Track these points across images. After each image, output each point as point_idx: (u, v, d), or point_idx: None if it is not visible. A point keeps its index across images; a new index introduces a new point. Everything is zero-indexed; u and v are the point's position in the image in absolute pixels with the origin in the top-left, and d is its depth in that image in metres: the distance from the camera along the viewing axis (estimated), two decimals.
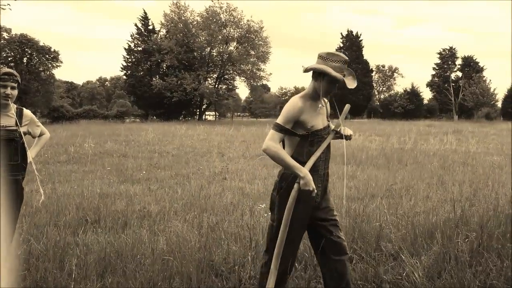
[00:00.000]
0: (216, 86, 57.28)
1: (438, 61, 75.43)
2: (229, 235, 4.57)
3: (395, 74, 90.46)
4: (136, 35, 57.14)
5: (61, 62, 50.81)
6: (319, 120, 3.21)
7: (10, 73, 3.54)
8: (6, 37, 45.44)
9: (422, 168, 10.96)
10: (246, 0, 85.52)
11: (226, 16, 54.52)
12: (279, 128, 3.04)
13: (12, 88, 3.53)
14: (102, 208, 6.07)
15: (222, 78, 58.23)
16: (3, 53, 45.03)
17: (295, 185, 2.95)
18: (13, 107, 3.64)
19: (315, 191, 2.95)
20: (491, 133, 27.70)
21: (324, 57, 3.18)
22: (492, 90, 69.14)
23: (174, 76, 52.54)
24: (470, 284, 3.63)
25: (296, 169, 2.93)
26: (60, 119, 44.58)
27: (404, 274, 3.76)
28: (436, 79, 75.35)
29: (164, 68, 56.25)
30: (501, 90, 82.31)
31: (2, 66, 35.98)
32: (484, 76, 71.07)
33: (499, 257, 3.99)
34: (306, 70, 3.17)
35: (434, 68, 76.12)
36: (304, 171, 2.94)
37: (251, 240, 4.20)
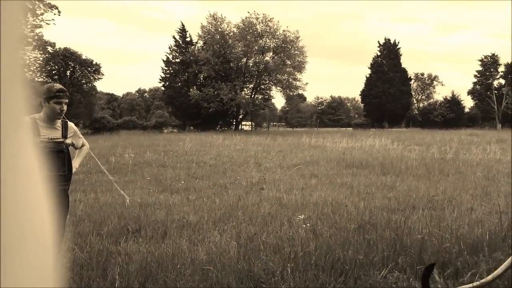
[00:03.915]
0: (252, 96, 57.58)
1: (480, 68, 73.33)
2: (268, 246, 4.56)
3: (435, 82, 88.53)
4: (174, 47, 58.24)
5: (103, 74, 52.26)
6: None
7: (64, 90, 3.69)
8: (51, 51, 47.11)
9: (465, 179, 10.64)
10: (282, 9, 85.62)
11: (262, 26, 54.90)
12: None
13: (66, 103, 3.68)
14: (142, 218, 6.17)
15: (258, 88, 58.48)
16: (48, 66, 46.71)
17: None
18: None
19: None
20: None
21: None
22: None
23: (211, 87, 53.20)
24: None
25: None
26: (101, 130, 45.83)
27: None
28: (477, 86, 73.23)
29: (201, 79, 57.04)
30: None
31: (54, 81, 37.36)
32: None
33: None
34: None
35: (475, 76, 74.02)
36: None
37: (290, 251, 4.18)
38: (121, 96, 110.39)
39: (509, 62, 71.65)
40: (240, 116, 60.77)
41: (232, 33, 56.04)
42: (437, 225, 5.44)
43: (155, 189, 9.28)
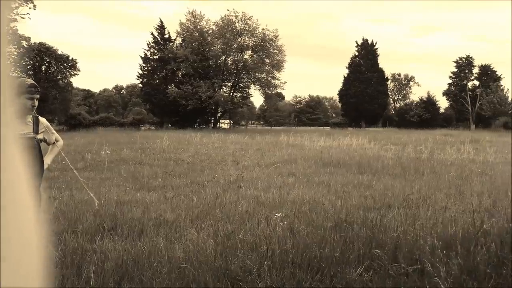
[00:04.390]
0: (231, 94, 57.51)
1: (455, 69, 74.75)
2: (245, 244, 4.56)
3: (411, 83, 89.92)
4: (152, 44, 57.73)
5: (79, 70, 51.46)
6: None
7: (36, 86, 3.63)
8: (25, 45, 46.17)
9: (439, 178, 10.83)
10: (261, 9, 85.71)
11: (241, 25, 54.83)
12: None
13: (37, 99, 3.62)
14: (119, 216, 6.11)
15: (237, 86, 58.43)
16: (22, 61, 45.76)
17: None
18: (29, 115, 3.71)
19: None
20: (510, 142, 27.29)
21: None
22: (510, 99, 68.23)
23: (189, 84, 52.90)
24: None
25: None
26: (77, 127, 45.14)
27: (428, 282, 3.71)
28: (452, 88, 74.61)
29: (180, 76, 56.68)
30: None
31: (26, 76, 36.58)
32: (501, 85, 70.15)
33: None
34: None
35: (450, 77, 75.40)
36: None
37: (267, 249, 4.19)
38: (98, 92, 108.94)
39: (484, 64, 73.26)
40: (219, 114, 60.65)
41: (211, 31, 55.84)
42: (412, 223, 5.53)
43: (132, 187, 9.19)
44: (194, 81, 53.25)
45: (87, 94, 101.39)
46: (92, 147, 17.49)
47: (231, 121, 74.51)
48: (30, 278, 0.44)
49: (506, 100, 67.05)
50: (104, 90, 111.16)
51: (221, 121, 67.43)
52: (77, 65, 50.98)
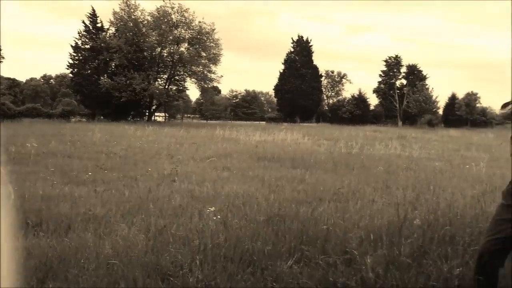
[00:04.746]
0: (166, 87, 56.54)
1: (385, 68, 77.97)
2: (177, 239, 4.51)
3: (344, 80, 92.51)
4: (84, 33, 55.45)
5: (3, 57, 48.62)
6: None
7: None
8: None
9: (368, 173, 11.26)
10: (198, 0, 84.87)
11: (177, 16, 53.92)
12: None
13: None
14: (44, 211, 5.84)
15: (173, 79, 57.51)
16: None
17: None
18: None
19: None
20: (433, 139, 28.90)
21: None
22: (434, 98, 72.28)
23: (123, 76, 51.36)
24: (413, 286, 3.76)
25: None
26: (1, 118, 42.58)
27: (354, 275, 3.85)
28: (382, 86, 77.80)
29: (113, 67, 54.89)
30: (443, 98, 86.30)
31: None
32: (426, 84, 74.14)
33: (439, 259, 4.15)
34: None
35: (380, 75, 78.59)
36: None
37: (200, 243, 4.17)
38: (24, 81, 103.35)
39: (411, 64, 76.93)
40: (154, 107, 59.46)
41: (146, 22, 54.47)
42: (341, 216, 5.70)
43: (59, 181, 8.81)
44: (128, 72, 51.79)
45: (12, 83, 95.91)
46: (17, 139, 16.58)
47: (167, 114, 73.30)
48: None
49: (431, 99, 70.93)
50: (31, 79, 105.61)
51: (156, 114, 66.12)
52: (0, 51, 48.11)
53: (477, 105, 69.12)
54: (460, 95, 71.46)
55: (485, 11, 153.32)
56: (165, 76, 57.42)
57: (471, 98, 69.26)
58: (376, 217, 5.65)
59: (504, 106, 3.39)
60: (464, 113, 67.46)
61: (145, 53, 54.81)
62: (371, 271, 3.91)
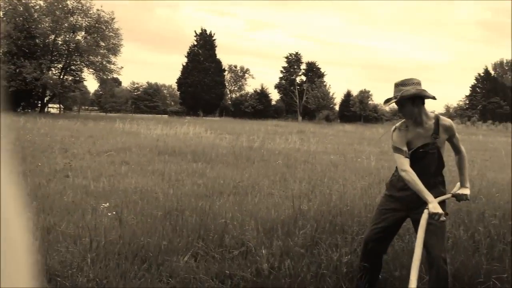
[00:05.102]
0: (61, 77, 53.33)
1: (285, 65, 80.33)
2: (67, 237, 4.28)
3: (246, 75, 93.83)
4: None
5: None
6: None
7: None
8: None
9: (268, 166, 11.53)
10: None
11: (73, 3, 51.03)
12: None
13: None
14: None
15: (68, 69, 54.37)
16: None
17: (425, 211, 3.21)
18: None
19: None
20: (330, 134, 30.31)
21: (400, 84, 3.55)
22: (331, 94, 75.88)
23: (11, 64, 47.54)
24: (305, 275, 3.92)
25: (425, 194, 3.31)
26: None
27: (250, 266, 3.92)
28: (283, 81, 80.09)
29: (0, 53, 50.65)
30: (339, 95, 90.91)
31: None
32: (324, 81, 77.62)
33: (330, 248, 4.37)
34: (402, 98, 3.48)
35: (281, 71, 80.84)
36: (431, 198, 3.29)
37: (92, 241, 3.99)
38: None
39: (310, 61, 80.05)
40: (47, 98, 55.81)
41: (38, 7, 50.90)
42: (240, 209, 5.78)
43: None
44: (18, 60, 48.07)
45: None
46: None
47: (62, 106, 69.23)
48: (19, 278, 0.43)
49: (328, 95, 74.39)
50: None
51: (50, 105, 62.18)
52: None
53: (370, 102, 73.63)
54: (355, 92, 75.69)
55: (381, 14, 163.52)
56: (60, 65, 54.09)
57: (364, 95, 73.59)
58: (273, 209, 5.80)
59: (386, 101, 3.65)
60: (358, 110, 71.50)
61: (37, 40, 51.17)
62: (266, 262, 4.01)
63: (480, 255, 4.81)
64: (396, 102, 3.54)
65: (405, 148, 3.51)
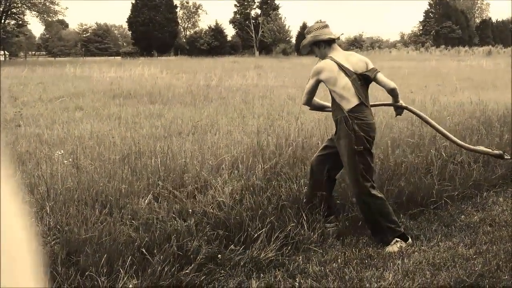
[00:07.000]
0: (2, 21, 50.22)
1: None
2: (23, 187, 4.19)
3: (199, 11, 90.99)
4: None
5: None
6: None
7: None
8: None
9: (227, 104, 11.46)
10: None
11: None
12: None
13: None
14: None
15: (9, 13, 51.20)
16: None
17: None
18: None
19: None
20: (287, 67, 30.24)
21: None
22: (287, 27, 74.93)
23: None
24: (266, 207, 4.02)
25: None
26: None
27: (212, 202, 3.98)
28: (238, 16, 78.21)
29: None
30: (294, 28, 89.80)
31: None
32: (280, 14, 76.31)
33: (289, 180, 4.47)
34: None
35: (235, 5, 78.73)
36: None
37: (48, 189, 3.93)
38: None
39: None
40: None
41: None
42: (199, 148, 5.77)
43: None
44: None
45: None
46: None
47: (7, 53, 65.69)
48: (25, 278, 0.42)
49: (284, 28, 73.45)
50: None
51: None
52: None
53: None
54: (310, 24, 74.95)
55: None
56: (0, 9, 50.82)
57: None
58: (233, 146, 5.82)
59: (298, 50, 4.14)
60: None
61: None
62: (229, 198, 4.08)
63: (432, 176, 5.05)
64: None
65: None
